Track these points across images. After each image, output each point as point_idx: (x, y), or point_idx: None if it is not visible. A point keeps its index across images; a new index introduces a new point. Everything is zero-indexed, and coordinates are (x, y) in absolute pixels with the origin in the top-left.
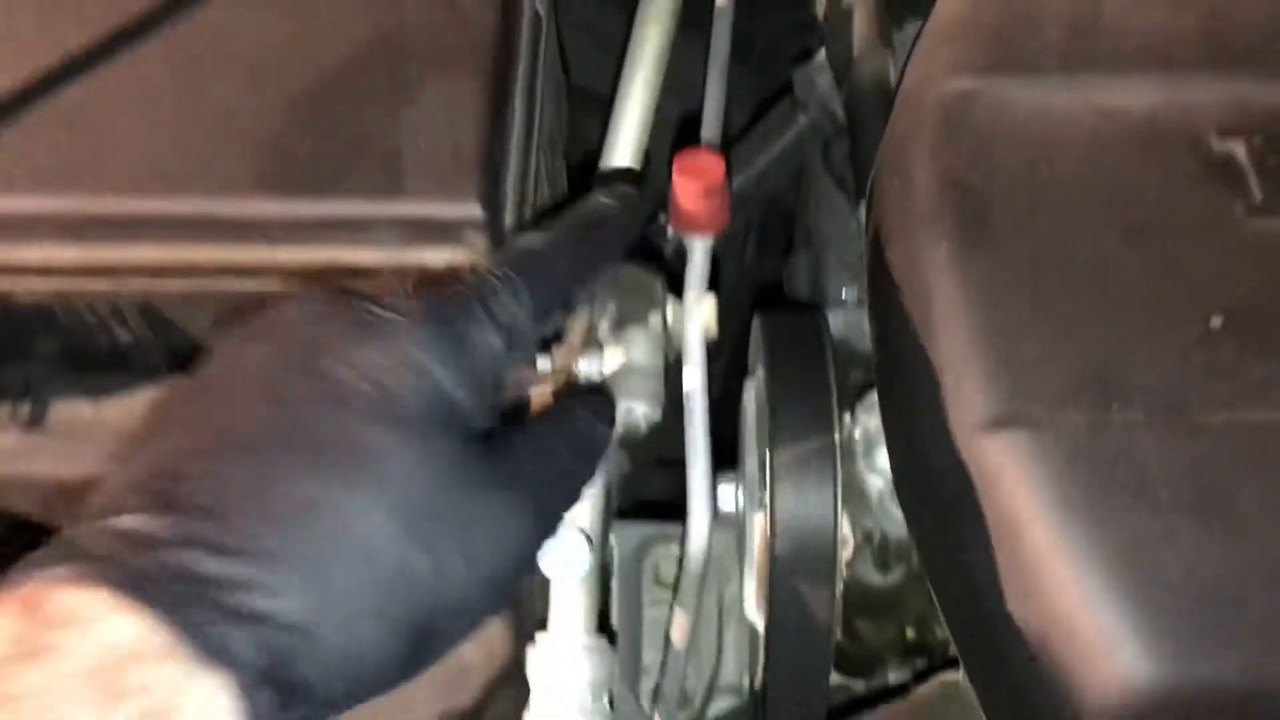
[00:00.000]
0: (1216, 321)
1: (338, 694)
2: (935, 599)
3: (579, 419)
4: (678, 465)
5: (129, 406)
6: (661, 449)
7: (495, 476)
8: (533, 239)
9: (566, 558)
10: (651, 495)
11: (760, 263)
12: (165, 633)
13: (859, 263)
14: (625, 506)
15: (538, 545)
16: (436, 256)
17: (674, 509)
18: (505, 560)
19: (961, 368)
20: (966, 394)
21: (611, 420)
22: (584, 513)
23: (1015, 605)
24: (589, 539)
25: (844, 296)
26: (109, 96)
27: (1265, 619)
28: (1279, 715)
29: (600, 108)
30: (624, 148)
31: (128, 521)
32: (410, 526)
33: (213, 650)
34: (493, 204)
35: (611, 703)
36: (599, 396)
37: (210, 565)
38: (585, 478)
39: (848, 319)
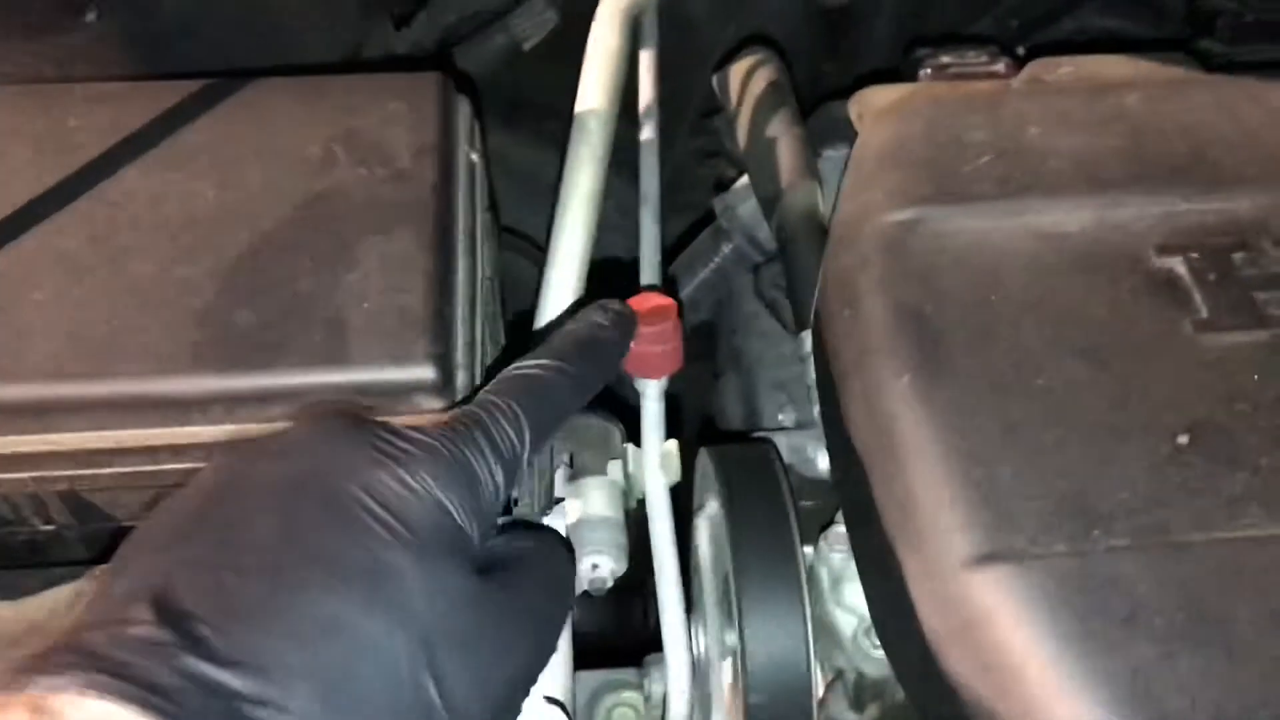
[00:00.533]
0: (1183, 439)
1: None
2: None
3: (563, 555)
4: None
5: (52, 605)
6: None
7: (501, 606)
8: (529, 364)
9: None
10: (582, 626)
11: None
12: None
13: (793, 385)
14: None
15: (537, 675)
16: None
17: (620, 652)
18: (510, 687)
19: (937, 501)
20: (947, 530)
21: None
22: (557, 678)
23: None
24: (562, 706)
25: (781, 419)
26: (26, 270)
27: None
28: None
29: (534, 249)
30: (561, 289)
31: (141, 631)
32: (428, 650)
33: None
34: (444, 364)
35: None
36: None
37: (226, 679)
38: (566, 615)
39: (790, 443)
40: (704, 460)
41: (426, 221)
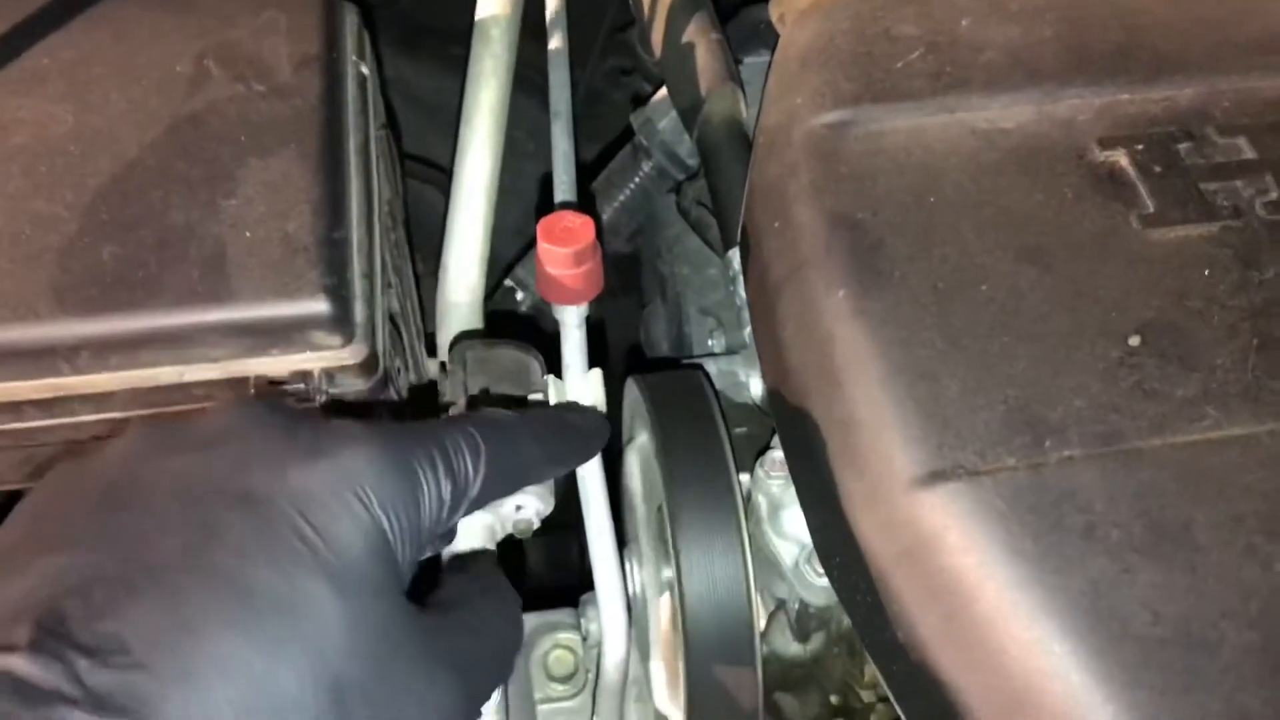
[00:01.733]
0: (1134, 340)
1: None
2: (880, 678)
3: (514, 610)
4: (545, 534)
5: None
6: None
7: (429, 650)
8: (504, 414)
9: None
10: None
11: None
12: None
13: (722, 308)
14: None
15: None
16: (279, 364)
17: (555, 592)
18: None
19: (880, 420)
20: (890, 449)
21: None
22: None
23: (974, 677)
24: None
25: (710, 344)
26: None
27: (1239, 653)
28: None
29: (445, 177)
30: (468, 219)
31: (20, 666)
32: (339, 703)
33: None
34: (338, 296)
35: None
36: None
37: None
38: (513, 657)
39: (720, 369)
40: (632, 389)
41: (312, 140)
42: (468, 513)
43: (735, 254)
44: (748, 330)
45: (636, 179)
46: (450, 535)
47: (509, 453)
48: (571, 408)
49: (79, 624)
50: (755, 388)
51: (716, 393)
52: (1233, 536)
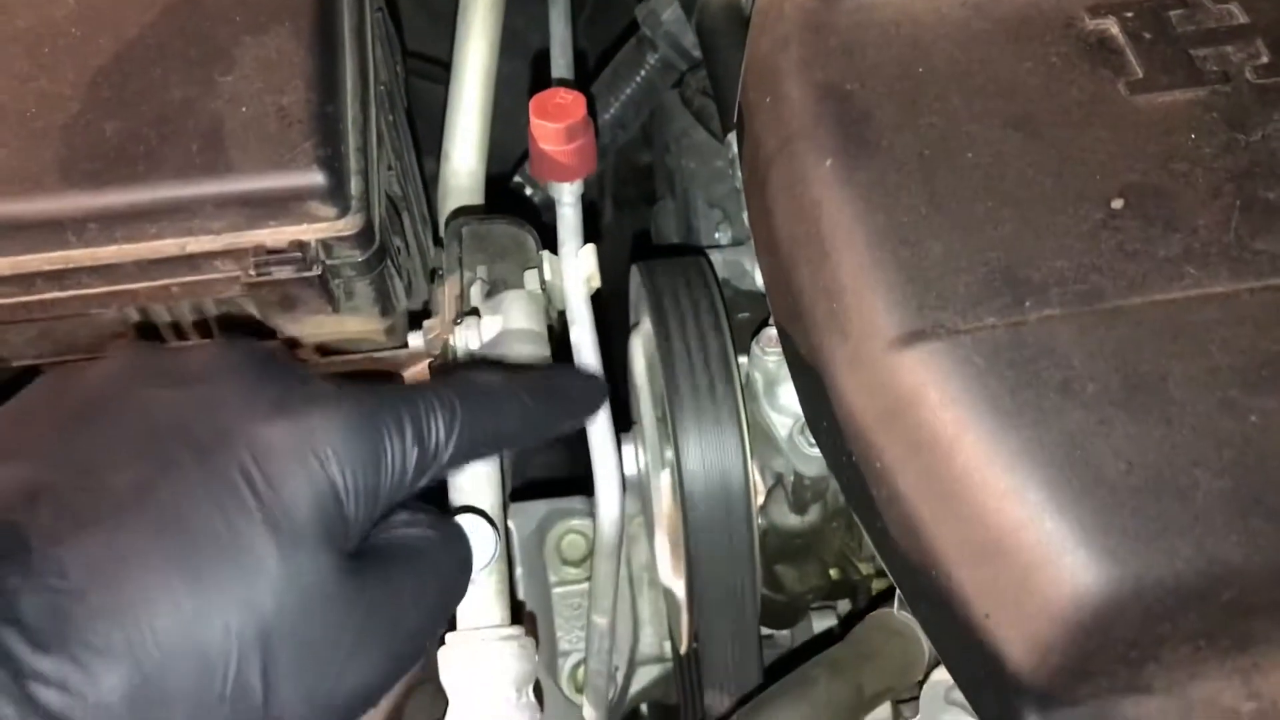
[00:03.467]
0: (1118, 203)
1: None
2: (865, 534)
3: (456, 557)
4: (558, 442)
5: None
6: None
7: (363, 608)
8: (491, 378)
9: (472, 546)
10: (536, 475)
11: (621, 223)
12: None
13: (729, 200)
14: (514, 487)
15: (388, 688)
16: (277, 235)
17: (565, 485)
18: (351, 700)
19: (863, 284)
20: (872, 311)
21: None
22: (482, 492)
23: (953, 530)
24: (490, 521)
25: (717, 237)
26: None
27: (1212, 500)
28: (1240, 596)
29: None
30: (468, 104)
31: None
32: (265, 652)
33: None
34: (333, 167)
35: (539, 696)
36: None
37: (23, 652)
38: (454, 606)
39: (726, 259)
40: (635, 276)
41: (306, 18)
42: (440, 476)
43: (733, 136)
44: (747, 216)
45: (642, 72)
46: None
47: (487, 419)
48: (571, 372)
49: (21, 541)
50: (759, 277)
51: (719, 280)
52: (1208, 389)
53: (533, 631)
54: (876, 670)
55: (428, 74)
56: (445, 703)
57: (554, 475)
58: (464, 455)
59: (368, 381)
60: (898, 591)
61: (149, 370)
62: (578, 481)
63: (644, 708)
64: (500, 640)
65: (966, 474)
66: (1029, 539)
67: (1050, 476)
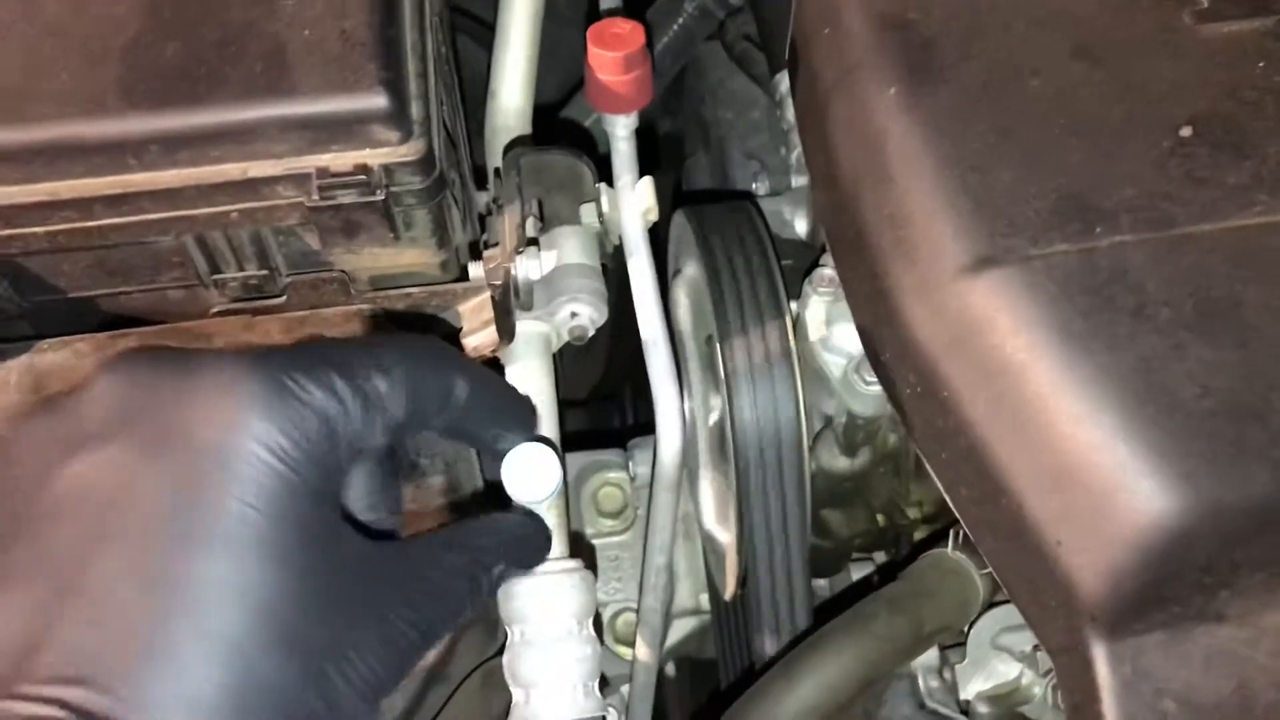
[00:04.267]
0: (1186, 131)
1: None
2: (929, 467)
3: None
4: (577, 404)
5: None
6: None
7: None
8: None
9: (534, 476)
10: (571, 428)
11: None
12: None
13: (765, 151)
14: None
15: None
16: (340, 160)
17: (602, 438)
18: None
19: (931, 211)
20: (941, 238)
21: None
22: (545, 422)
23: (1024, 457)
24: (555, 450)
25: (755, 188)
26: None
27: None
28: None
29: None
30: (515, 46)
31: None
32: (286, 648)
33: None
34: (396, 90)
35: (598, 628)
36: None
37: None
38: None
39: (766, 209)
40: (679, 222)
41: None
42: (400, 431)
43: (783, 76)
44: (795, 154)
45: (680, 20)
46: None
47: (432, 376)
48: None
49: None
50: (800, 226)
51: (764, 220)
52: None
53: (591, 565)
54: (934, 608)
55: (463, 27)
56: (496, 641)
57: (590, 428)
58: (415, 408)
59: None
60: (952, 532)
61: (52, 442)
62: (614, 434)
63: (670, 668)
64: (561, 573)
65: (1039, 400)
66: (1102, 464)
67: (1124, 401)
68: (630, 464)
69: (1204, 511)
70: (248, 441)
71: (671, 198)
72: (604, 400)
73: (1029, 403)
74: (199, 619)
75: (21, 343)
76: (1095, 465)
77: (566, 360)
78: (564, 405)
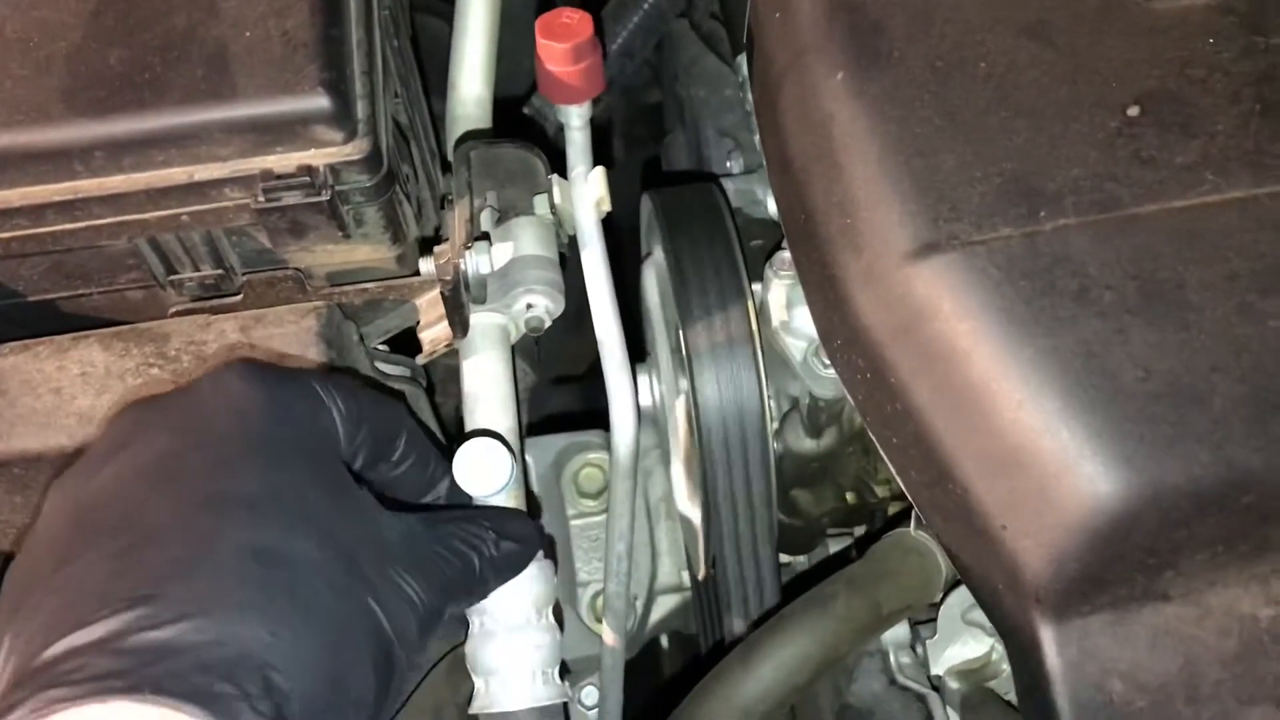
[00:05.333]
0: (1134, 110)
1: None
2: (881, 450)
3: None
4: (574, 380)
5: None
6: (557, 368)
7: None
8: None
9: (484, 468)
10: (554, 410)
11: (631, 160)
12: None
13: (739, 129)
14: (531, 422)
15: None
16: (284, 161)
17: (582, 420)
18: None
19: (876, 197)
20: (886, 225)
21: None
22: (497, 417)
23: (967, 440)
24: (506, 444)
25: (729, 166)
26: None
27: (1230, 406)
28: (1258, 502)
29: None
30: (474, 31)
31: (103, 629)
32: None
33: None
34: (339, 91)
35: (559, 619)
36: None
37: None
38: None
39: (737, 188)
40: (647, 204)
41: None
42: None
43: (744, 57)
44: (758, 138)
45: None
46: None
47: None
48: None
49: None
50: (772, 205)
51: (730, 206)
52: (1226, 295)
53: (551, 555)
54: (894, 588)
55: (434, 9)
56: (463, 630)
57: (571, 410)
58: (372, 436)
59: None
60: (914, 512)
61: (151, 448)
62: (594, 416)
63: (664, 640)
64: None
65: (982, 384)
66: (1045, 448)
67: (1066, 385)
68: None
69: (1146, 494)
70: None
71: (644, 178)
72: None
73: (972, 388)
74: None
75: None
76: (1038, 450)
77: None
78: (559, 382)
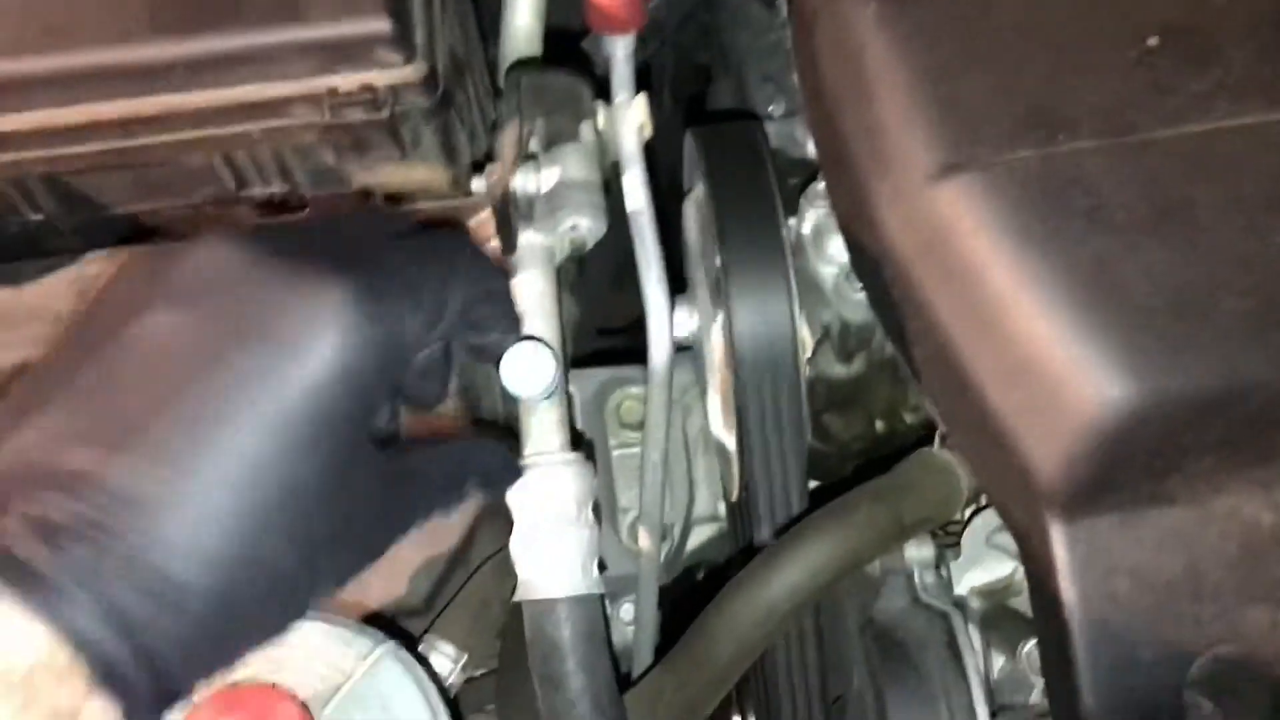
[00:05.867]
0: (1153, 40)
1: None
2: (906, 367)
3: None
4: (615, 332)
5: (50, 288)
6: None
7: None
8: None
9: (531, 372)
10: (598, 347)
11: (678, 116)
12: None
13: (782, 74)
14: (575, 357)
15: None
16: (348, 81)
17: (626, 356)
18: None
19: (902, 123)
20: (910, 148)
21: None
22: (542, 329)
23: (985, 352)
24: (551, 349)
25: (771, 110)
26: None
27: (1234, 318)
28: (1261, 409)
29: None
30: None
31: (39, 510)
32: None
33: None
34: (400, 16)
35: (598, 515)
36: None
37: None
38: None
39: (779, 130)
40: (689, 141)
41: None
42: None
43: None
44: (796, 74)
45: None
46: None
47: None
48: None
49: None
50: (811, 147)
51: (770, 146)
52: (1234, 214)
53: (591, 457)
54: (916, 500)
55: None
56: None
57: (630, 346)
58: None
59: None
60: (939, 432)
61: (158, 297)
62: (636, 353)
63: (700, 574)
64: (561, 464)
65: (999, 297)
66: (1057, 357)
67: (1078, 297)
68: None
69: (1153, 400)
70: (321, 350)
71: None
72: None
73: (989, 301)
74: (225, 476)
75: (70, 256)
76: (1050, 358)
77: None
78: (601, 333)
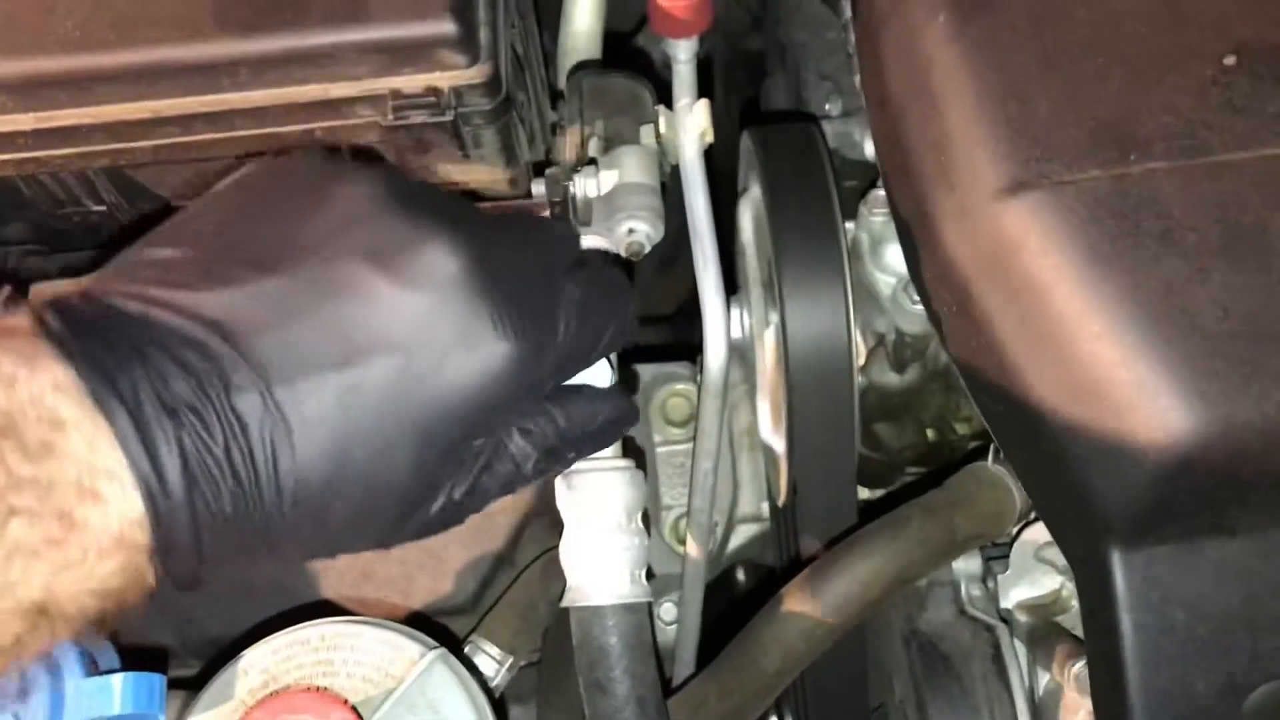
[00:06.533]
0: (1230, 60)
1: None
2: (963, 382)
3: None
4: (662, 320)
5: None
6: (647, 307)
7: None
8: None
9: (586, 376)
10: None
11: (729, 105)
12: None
13: (840, 73)
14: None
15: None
16: (412, 82)
17: (669, 355)
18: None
19: (971, 137)
20: (979, 163)
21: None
22: None
23: (1047, 373)
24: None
25: (828, 109)
26: None
27: None
28: None
29: None
30: None
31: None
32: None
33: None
34: (465, 18)
35: (646, 524)
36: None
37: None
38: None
39: (836, 130)
40: (746, 141)
41: None
42: None
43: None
44: (859, 78)
45: None
46: None
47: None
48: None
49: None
50: (868, 148)
51: (829, 147)
52: None
53: (641, 466)
54: (968, 515)
55: None
56: (557, 533)
57: (659, 346)
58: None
59: None
60: (992, 446)
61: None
62: (681, 352)
63: (740, 573)
64: (613, 470)
65: (1063, 318)
66: (1122, 381)
67: (1146, 321)
68: (699, 375)
69: (1218, 430)
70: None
71: (742, 118)
72: (688, 316)
73: (1054, 321)
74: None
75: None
76: (1114, 382)
77: (651, 276)
78: (647, 321)
